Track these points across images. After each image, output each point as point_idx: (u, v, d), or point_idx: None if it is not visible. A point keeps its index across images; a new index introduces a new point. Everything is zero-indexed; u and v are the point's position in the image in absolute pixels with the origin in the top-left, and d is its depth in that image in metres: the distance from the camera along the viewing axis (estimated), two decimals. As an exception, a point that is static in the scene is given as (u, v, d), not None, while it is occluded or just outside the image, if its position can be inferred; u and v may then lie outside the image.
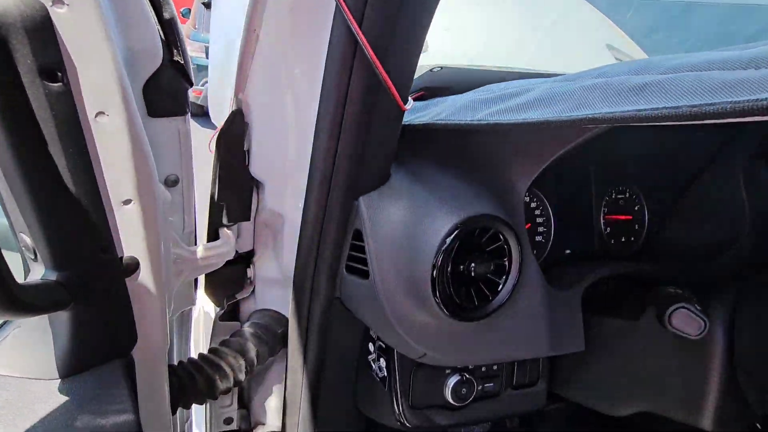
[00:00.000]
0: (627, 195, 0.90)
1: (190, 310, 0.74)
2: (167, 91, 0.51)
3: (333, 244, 0.57)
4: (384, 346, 0.68)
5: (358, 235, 0.56)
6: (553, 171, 0.79)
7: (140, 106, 0.50)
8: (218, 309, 0.75)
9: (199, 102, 4.66)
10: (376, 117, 0.50)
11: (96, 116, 0.40)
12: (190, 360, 0.68)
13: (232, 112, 0.58)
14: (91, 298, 0.45)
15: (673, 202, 0.90)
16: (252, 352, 0.70)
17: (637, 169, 0.88)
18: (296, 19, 0.49)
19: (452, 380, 0.67)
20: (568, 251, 0.82)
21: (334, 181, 0.52)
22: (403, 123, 0.55)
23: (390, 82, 0.45)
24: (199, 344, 0.89)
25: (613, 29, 1.31)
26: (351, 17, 0.44)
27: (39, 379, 0.46)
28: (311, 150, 0.53)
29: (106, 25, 0.38)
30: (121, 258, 0.48)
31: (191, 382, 0.66)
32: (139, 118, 0.44)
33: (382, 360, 0.69)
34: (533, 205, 0.78)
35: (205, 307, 0.87)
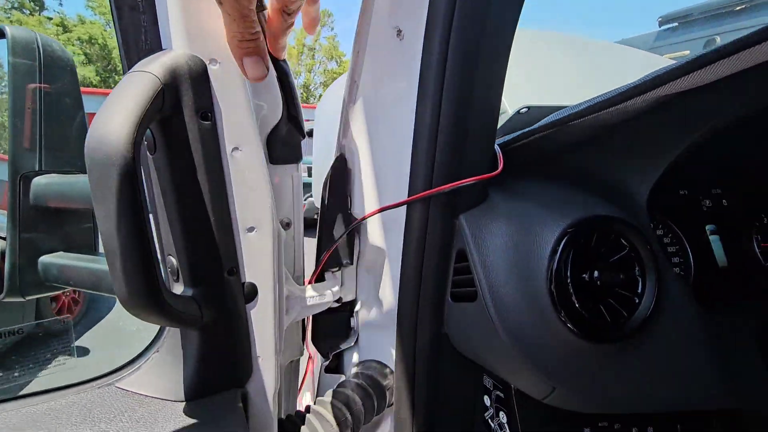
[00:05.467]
0: None
1: (298, 361, 0.74)
2: (285, 141, 0.59)
3: (436, 269, 0.55)
4: (503, 396, 0.59)
5: (462, 257, 0.54)
6: (676, 191, 0.71)
7: (264, 154, 0.59)
8: (324, 360, 0.74)
9: (303, 214, 5.28)
10: (469, 137, 0.52)
11: (232, 151, 0.48)
12: (297, 413, 0.66)
13: (337, 157, 0.65)
14: (218, 318, 0.49)
15: None
16: (358, 404, 0.66)
17: None
18: (388, 65, 0.56)
19: (593, 441, 0.55)
20: (720, 288, 0.69)
21: (433, 200, 0.53)
22: (497, 143, 0.56)
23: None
24: (306, 398, 0.87)
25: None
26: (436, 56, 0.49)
27: (168, 400, 0.49)
28: (408, 178, 0.55)
29: (244, 80, 0.48)
30: (243, 284, 0.52)
31: (298, 436, 0.63)
32: (263, 154, 0.52)
33: (501, 415, 0.60)
34: (660, 232, 0.69)
35: (311, 359, 0.86)
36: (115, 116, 0.36)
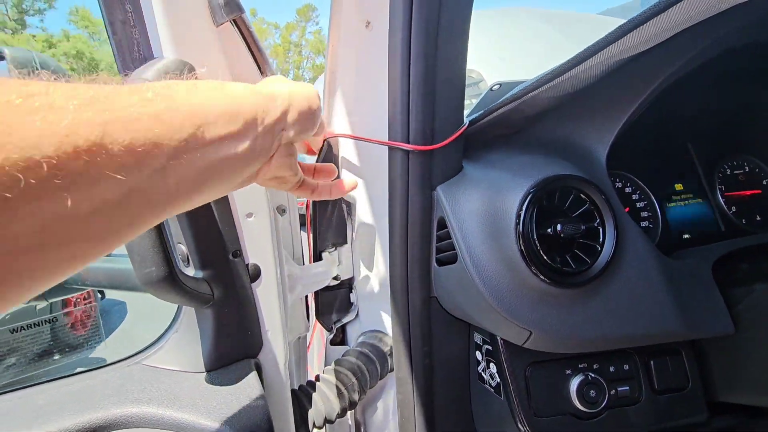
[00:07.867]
0: (746, 168, 0.80)
1: (305, 337, 0.80)
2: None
3: (420, 238, 0.61)
4: (491, 349, 0.65)
5: (442, 225, 0.59)
6: (642, 151, 0.76)
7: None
8: (329, 334, 0.80)
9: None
10: (438, 115, 0.57)
11: (226, 145, 0.53)
12: (309, 382, 0.72)
13: (323, 142, 0.70)
14: (227, 296, 0.55)
15: None
16: (362, 370, 0.72)
17: (748, 138, 0.80)
18: (361, 54, 0.61)
19: (576, 381, 0.61)
20: (686, 236, 0.74)
21: (411, 176, 0.58)
22: (468, 119, 0.61)
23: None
24: (314, 370, 0.94)
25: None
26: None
27: (190, 372, 0.55)
28: (387, 155, 0.60)
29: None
30: (248, 265, 0.58)
31: (310, 403, 0.69)
32: (255, 147, 0.57)
33: (492, 366, 0.66)
34: (628, 190, 0.75)
35: (318, 335, 0.93)
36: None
